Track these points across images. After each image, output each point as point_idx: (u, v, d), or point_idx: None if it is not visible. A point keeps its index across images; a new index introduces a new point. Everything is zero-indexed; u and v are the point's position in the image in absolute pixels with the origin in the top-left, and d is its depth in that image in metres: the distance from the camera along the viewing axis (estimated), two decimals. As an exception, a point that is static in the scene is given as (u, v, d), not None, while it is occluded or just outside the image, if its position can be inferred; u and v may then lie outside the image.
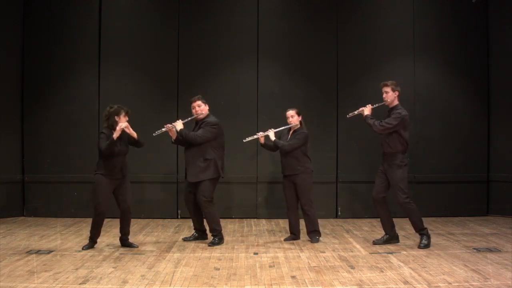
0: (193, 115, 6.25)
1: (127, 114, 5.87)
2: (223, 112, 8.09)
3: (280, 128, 6.44)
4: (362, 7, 8.53)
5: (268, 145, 6.46)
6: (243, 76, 8.34)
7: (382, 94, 6.11)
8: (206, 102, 6.25)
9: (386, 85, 6.07)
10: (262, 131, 6.49)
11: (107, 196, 5.79)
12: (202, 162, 6.06)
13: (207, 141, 6.08)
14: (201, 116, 6.19)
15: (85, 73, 8.26)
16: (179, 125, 6.14)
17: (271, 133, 6.37)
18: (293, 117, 6.37)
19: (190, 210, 6.35)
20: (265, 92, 8.29)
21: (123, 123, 5.74)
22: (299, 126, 6.41)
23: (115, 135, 5.65)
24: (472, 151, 8.42)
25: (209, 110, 6.29)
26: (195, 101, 6.20)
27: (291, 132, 6.43)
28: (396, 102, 6.04)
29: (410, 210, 5.88)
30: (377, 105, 6.14)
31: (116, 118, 5.80)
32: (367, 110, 6.11)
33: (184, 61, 8.29)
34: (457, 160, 8.38)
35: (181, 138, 6.13)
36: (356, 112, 6.19)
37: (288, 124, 6.41)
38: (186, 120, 6.29)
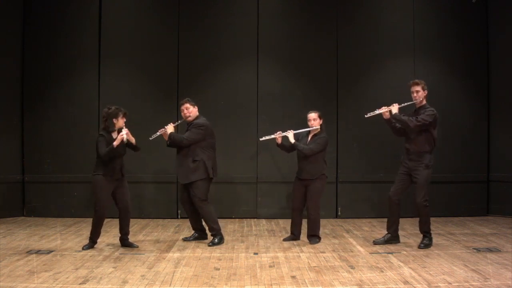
0: (182, 118, 6.34)
1: (124, 115, 5.85)
2: (223, 112, 8.12)
3: (300, 130, 6.31)
4: (362, 7, 8.52)
5: (285, 146, 6.32)
6: (243, 76, 8.33)
7: (411, 93, 5.88)
8: (195, 104, 6.30)
9: (417, 84, 5.86)
10: (281, 131, 6.30)
11: (107, 197, 5.77)
12: (191, 163, 6.09)
13: (194, 143, 6.10)
14: (190, 118, 6.24)
15: (85, 73, 8.26)
16: (170, 128, 6.18)
17: (290, 135, 6.22)
18: (315, 121, 6.19)
19: (186, 211, 6.38)
20: (265, 92, 8.29)
21: (123, 131, 5.68)
22: (319, 130, 6.26)
23: (116, 142, 5.62)
24: (472, 151, 8.42)
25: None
26: (183, 104, 6.28)
27: (310, 135, 6.27)
28: (424, 102, 5.90)
29: (425, 212, 5.82)
30: (405, 104, 5.93)
31: (114, 120, 5.79)
32: (395, 109, 5.85)
33: (184, 61, 8.28)
34: (457, 160, 8.37)
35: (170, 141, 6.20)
36: (377, 112, 5.90)
37: (308, 127, 6.23)
38: (176, 123, 6.40)
